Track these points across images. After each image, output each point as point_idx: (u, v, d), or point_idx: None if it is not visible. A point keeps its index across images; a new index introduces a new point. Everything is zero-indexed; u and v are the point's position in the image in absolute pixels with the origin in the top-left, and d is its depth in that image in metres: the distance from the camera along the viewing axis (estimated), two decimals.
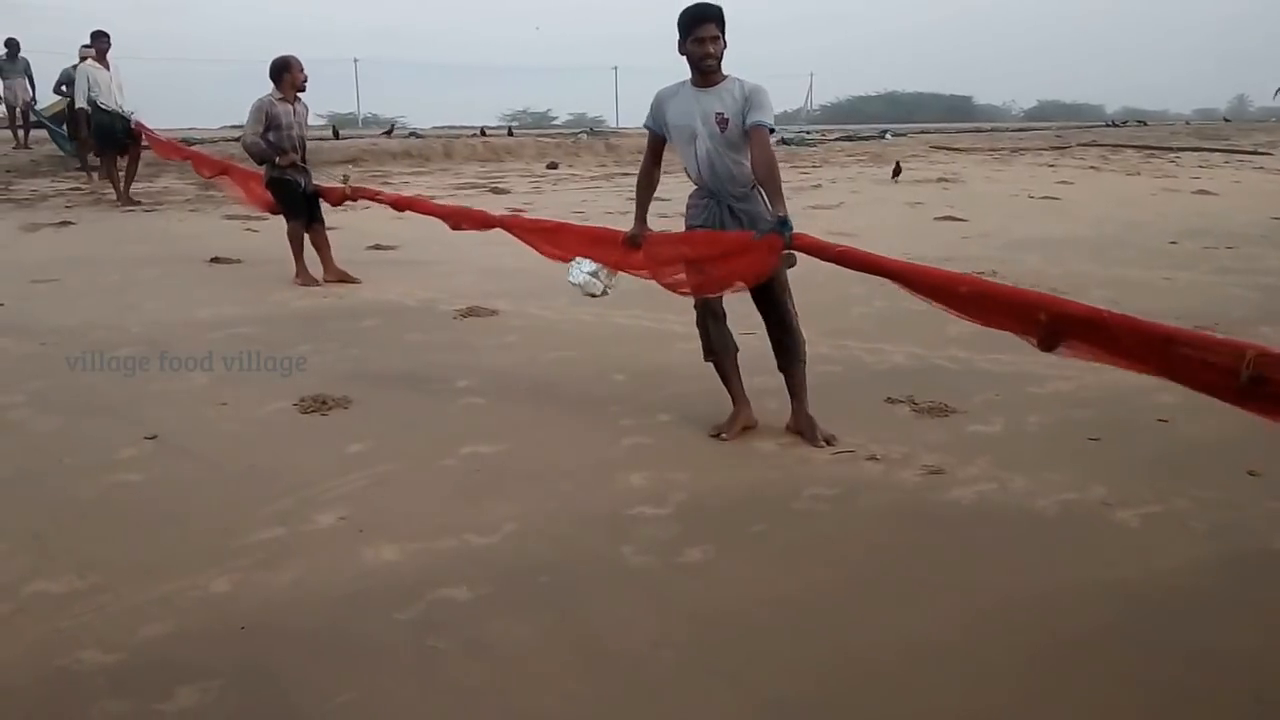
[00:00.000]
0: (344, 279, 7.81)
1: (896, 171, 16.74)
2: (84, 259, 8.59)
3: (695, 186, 4.29)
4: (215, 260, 8.63)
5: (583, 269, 4.61)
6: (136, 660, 2.57)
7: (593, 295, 4.67)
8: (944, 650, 2.64)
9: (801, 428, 4.28)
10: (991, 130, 38.94)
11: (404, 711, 2.38)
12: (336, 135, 24.46)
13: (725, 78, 4.11)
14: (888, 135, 32.63)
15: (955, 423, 4.41)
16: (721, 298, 4.30)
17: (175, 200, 13.36)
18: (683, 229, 4.37)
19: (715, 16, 4.01)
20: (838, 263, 3.80)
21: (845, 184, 16.84)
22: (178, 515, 3.47)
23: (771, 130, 4.07)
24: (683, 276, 4.28)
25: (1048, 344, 2.98)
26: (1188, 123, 46.89)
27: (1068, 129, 39.37)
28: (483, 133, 26.31)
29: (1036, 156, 24.48)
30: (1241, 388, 2.35)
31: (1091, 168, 21.19)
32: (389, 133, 25.39)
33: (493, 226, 5.69)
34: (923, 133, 35.24)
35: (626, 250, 4.45)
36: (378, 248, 9.44)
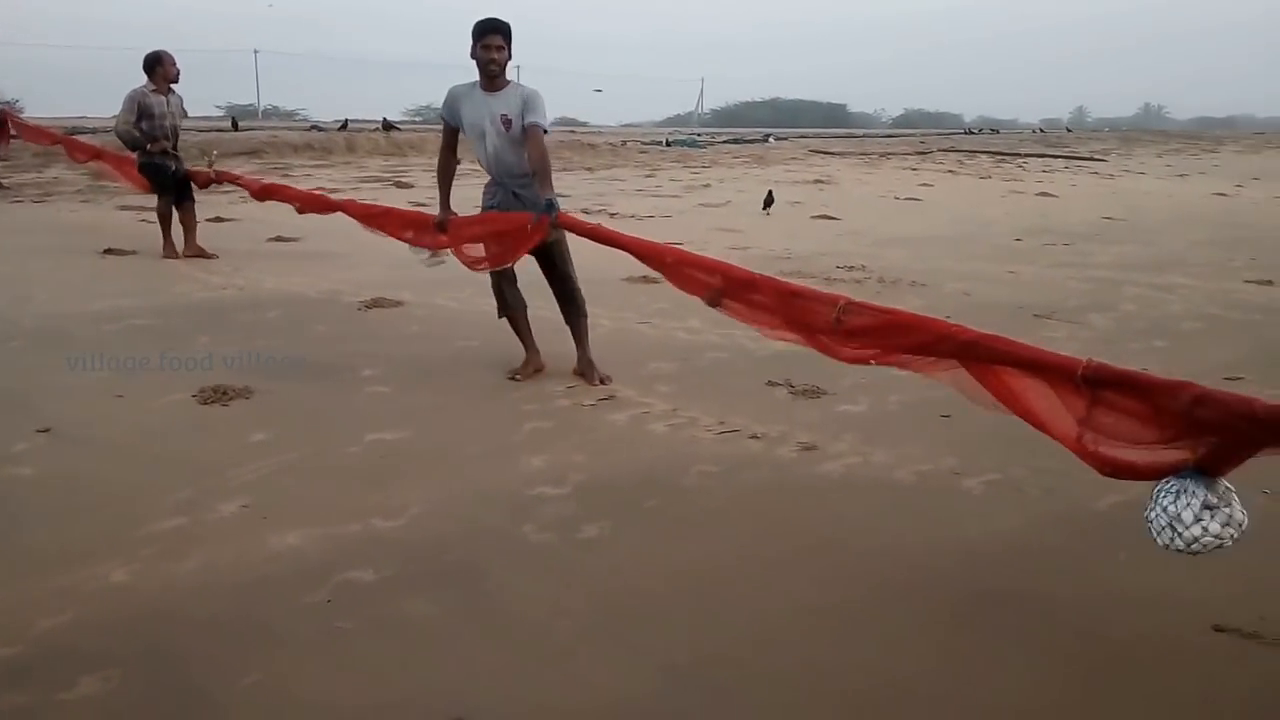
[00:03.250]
0: (200, 254, 8.09)
1: (769, 202, 12.61)
2: None
3: (489, 176, 4.80)
4: (109, 251, 8.23)
5: (420, 256, 5.35)
6: (35, 652, 2.44)
7: (442, 264, 5.36)
8: (818, 608, 2.71)
9: (583, 370, 4.86)
10: (863, 136, 40.02)
11: (312, 690, 2.32)
12: (235, 127, 23.60)
13: (509, 83, 4.63)
14: (771, 139, 33.19)
15: (827, 403, 4.52)
16: (513, 265, 4.82)
17: (66, 191, 12.68)
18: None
19: (502, 30, 4.54)
20: (588, 237, 4.41)
21: (732, 184, 17.07)
22: (74, 507, 3.29)
23: (545, 130, 4.59)
24: (482, 254, 4.84)
25: (715, 300, 3.51)
26: (1034, 131, 48.97)
27: (930, 136, 40.76)
28: (384, 127, 25.65)
29: (902, 161, 25.26)
30: (834, 326, 2.98)
31: (949, 171, 21.98)
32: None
33: (335, 210, 6.32)
34: (802, 137, 35.97)
35: (435, 233, 5.04)
36: (279, 239, 9.15)
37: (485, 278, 5.01)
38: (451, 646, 2.51)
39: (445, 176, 4.96)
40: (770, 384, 4.77)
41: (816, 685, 2.36)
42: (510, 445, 3.95)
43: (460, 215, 4.96)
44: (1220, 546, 2.17)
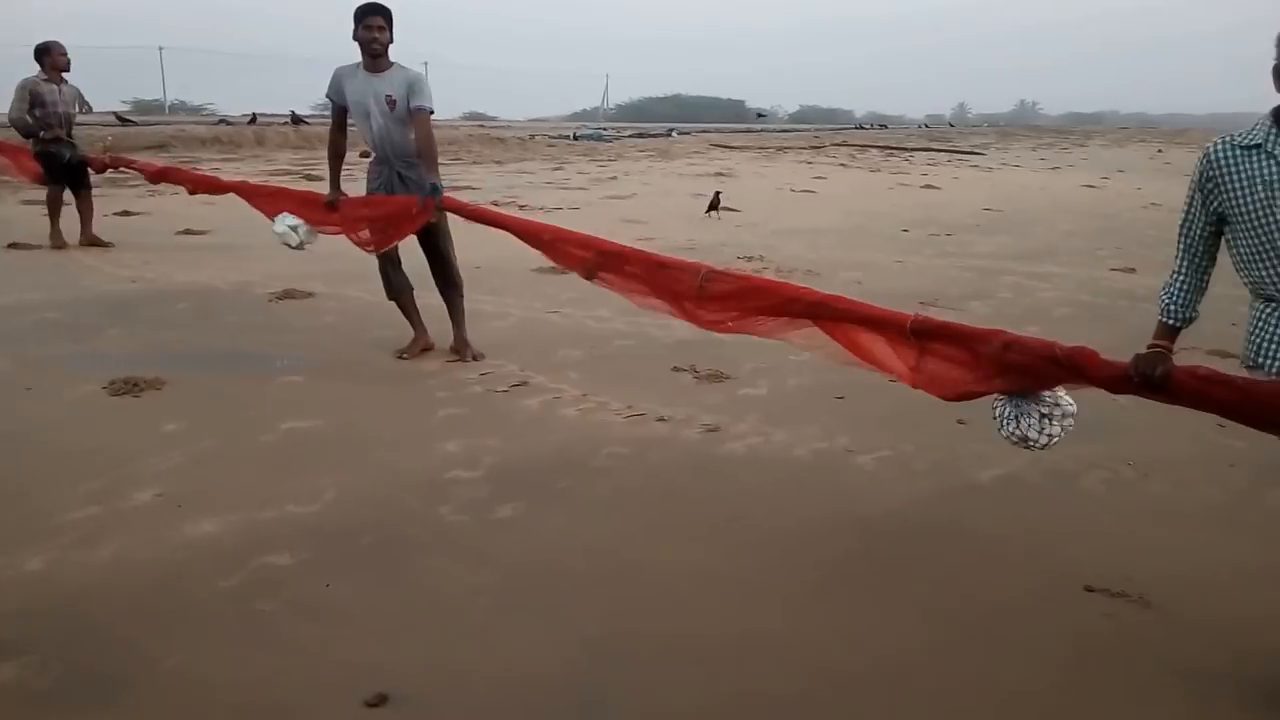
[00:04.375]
0: (95, 243, 7.98)
1: (714, 204, 11.31)
2: None
3: (373, 156, 4.80)
4: (14, 246, 7.86)
5: (284, 222, 5.16)
6: None
7: (289, 246, 5.19)
8: (725, 579, 2.79)
9: (458, 347, 4.93)
10: (761, 131, 40.56)
11: (232, 672, 2.29)
12: (123, 122, 22.64)
13: (392, 65, 4.65)
14: (674, 134, 33.39)
15: (729, 387, 4.62)
16: (397, 248, 4.87)
17: None
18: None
19: (383, 12, 4.60)
20: (471, 219, 4.55)
21: (638, 177, 17.13)
22: None
23: (430, 112, 4.64)
24: (368, 235, 4.84)
25: (590, 273, 3.64)
26: (920, 126, 50.38)
27: (823, 131, 41.56)
28: (293, 121, 24.93)
29: (797, 155, 25.69)
30: (698, 292, 3.13)
31: (841, 165, 22.45)
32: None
33: (227, 191, 6.25)
34: (704, 132, 36.27)
35: (327, 211, 4.99)
36: (188, 232, 8.84)
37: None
38: (371, 625, 2.51)
39: (335, 158, 4.97)
40: (676, 369, 4.85)
41: (722, 652, 2.43)
42: (425, 431, 3.93)
43: (350, 196, 5.02)
44: (1064, 436, 2.48)
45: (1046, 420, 2.41)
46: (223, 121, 25.29)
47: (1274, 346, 2.12)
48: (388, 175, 4.75)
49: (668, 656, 2.40)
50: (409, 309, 5.01)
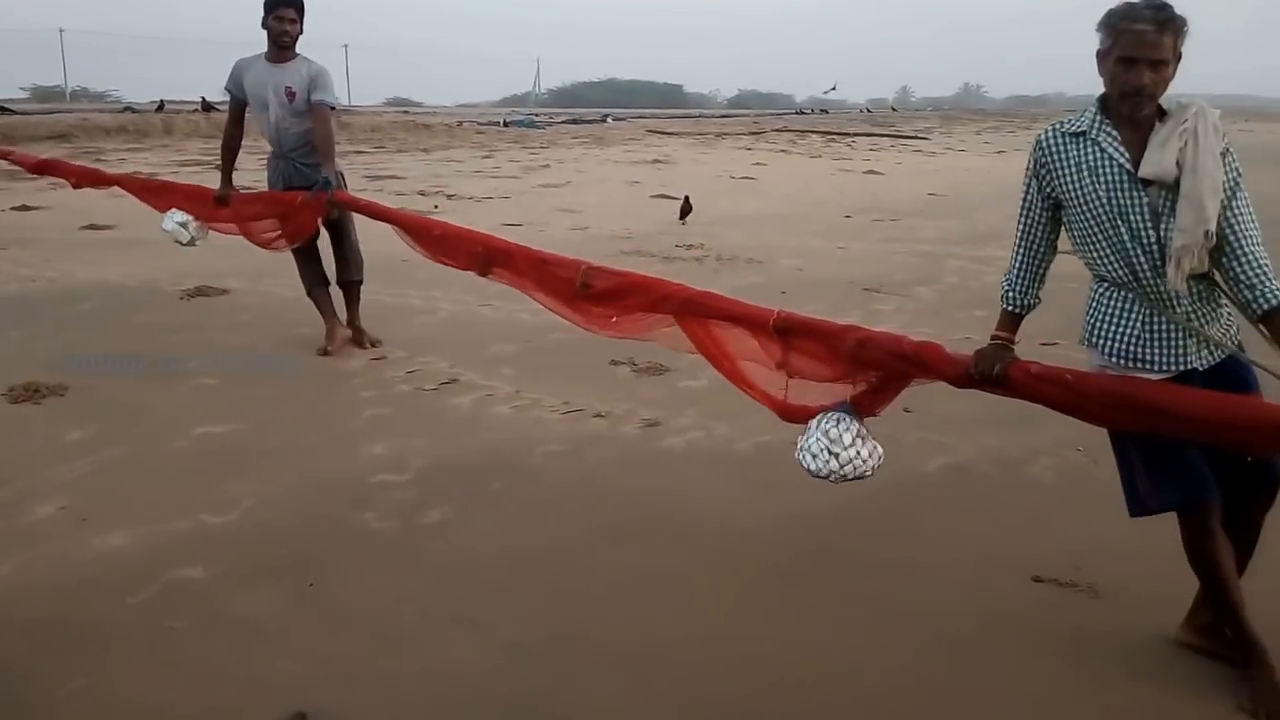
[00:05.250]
0: None
1: (685, 210, 10.37)
2: None
3: (271, 150, 4.83)
4: None
5: (174, 219, 5.11)
6: None
7: (180, 243, 5.15)
8: (666, 579, 2.79)
9: (353, 332, 5.00)
10: (699, 116, 40.72)
11: (143, 692, 2.23)
12: (2, 110, 22.05)
13: (296, 57, 4.68)
14: (609, 119, 33.36)
15: (669, 380, 4.63)
16: (315, 241, 4.87)
17: None
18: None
19: (295, 4, 4.63)
20: (362, 214, 4.62)
21: (572, 164, 17.08)
22: None
23: (332, 107, 4.74)
24: (276, 234, 4.83)
25: (483, 270, 3.67)
26: (862, 110, 51.06)
27: (764, 116, 41.85)
28: (204, 108, 24.27)
29: (736, 141, 25.82)
30: (575, 291, 3.16)
31: (782, 151, 22.63)
32: None
33: (111, 184, 6.18)
34: (640, 118, 36.27)
35: (216, 207, 4.97)
36: (93, 227, 8.59)
37: None
38: (289, 640, 2.46)
39: (229, 150, 4.99)
40: (613, 363, 4.83)
41: (663, 656, 2.43)
42: (348, 433, 3.87)
43: (241, 192, 5.02)
44: (861, 476, 2.55)
45: (861, 440, 2.53)
46: (128, 109, 24.55)
47: (1105, 326, 2.26)
48: (285, 167, 4.79)
49: (605, 662, 2.40)
50: (323, 303, 5.00)
